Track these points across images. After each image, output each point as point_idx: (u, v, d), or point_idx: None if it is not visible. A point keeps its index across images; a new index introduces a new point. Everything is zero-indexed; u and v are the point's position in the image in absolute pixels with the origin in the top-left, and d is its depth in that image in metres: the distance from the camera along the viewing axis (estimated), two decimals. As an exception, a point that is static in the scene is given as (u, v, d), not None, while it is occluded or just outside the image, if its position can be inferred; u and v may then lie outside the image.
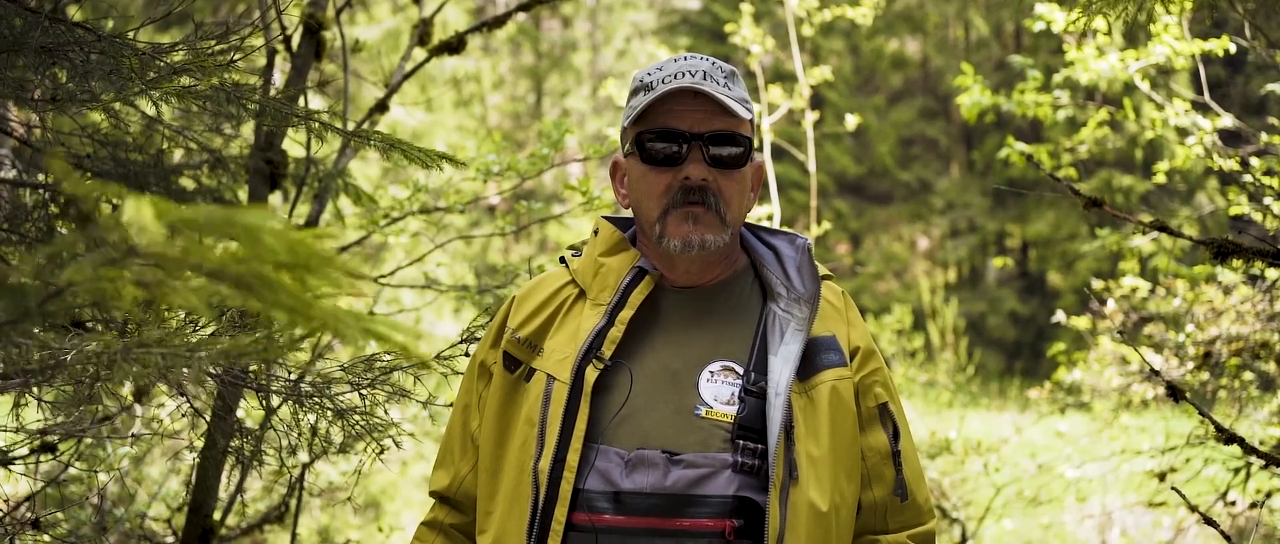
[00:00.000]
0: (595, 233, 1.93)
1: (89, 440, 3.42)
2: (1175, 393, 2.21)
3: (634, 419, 1.74)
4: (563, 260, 1.98)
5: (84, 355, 1.49)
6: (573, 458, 1.71)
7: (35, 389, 2.25)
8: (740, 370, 1.77)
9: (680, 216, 1.79)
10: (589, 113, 18.01)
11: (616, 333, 1.79)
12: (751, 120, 1.85)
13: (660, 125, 1.79)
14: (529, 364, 1.84)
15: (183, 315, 1.74)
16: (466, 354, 2.41)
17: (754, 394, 1.73)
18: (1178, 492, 2.08)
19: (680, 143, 1.78)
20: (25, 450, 3.02)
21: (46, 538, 2.73)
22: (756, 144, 1.91)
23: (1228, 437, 2.24)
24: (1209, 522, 2.02)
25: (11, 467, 2.69)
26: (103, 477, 3.60)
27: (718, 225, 1.79)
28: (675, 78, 1.78)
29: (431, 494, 1.98)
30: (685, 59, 1.82)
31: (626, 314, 1.80)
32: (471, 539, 1.93)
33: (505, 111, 18.97)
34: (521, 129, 18.21)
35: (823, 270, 1.90)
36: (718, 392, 1.75)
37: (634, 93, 1.85)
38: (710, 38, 19.52)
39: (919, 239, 22.43)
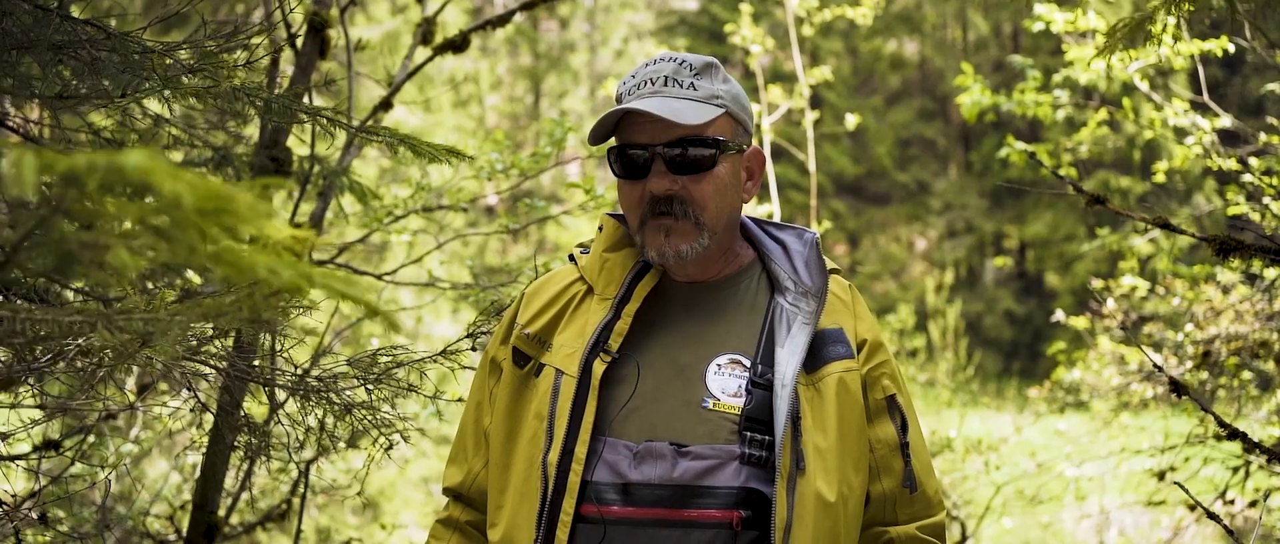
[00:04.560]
0: (600, 229, 1.95)
1: (92, 438, 3.43)
2: (1178, 388, 2.22)
3: (642, 412, 1.75)
4: (572, 257, 1.99)
5: (67, 327, 1.49)
6: (581, 450, 1.72)
7: (38, 381, 2.26)
8: (747, 363, 1.78)
9: (653, 229, 1.80)
10: (587, 113, 18.01)
11: (623, 326, 1.80)
12: (728, 113, 1.81)
13: (624, 140, 1.81)
14: (538, 359, 1.85)
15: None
16: (473, 349, 2.42)
17: (761, 386, 1.74)
18: (1182, 487, 2.09)
19: (643, 157, 1.79)
20: (29, 447, 3.03)
21: (47, 538, 2.73)
22: (756, 137, 1.91)
23: (1230, 432, 2.25)
24: (1213, 516, 2.03)
25: (15, 463, 2.69)
26: (104, 473, 3.61)
27: (693, 232, 1.79)
28: (638, 88, 1.80)
29: (445, 491, 1.99)
30: (653, 63, 1.82)
31: (632, 307, 1.81)
32: (486, 536, 1.93)
33: (503, 112, 18.97)
34: (520, 130, 18.20)
35: (830, 264, 1.91)
36: (725, 384, 1.76)
37: (618, 99, 1.87)
38: (708, 38, 19.53)
39: (916, 240, 22.45)
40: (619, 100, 1.83)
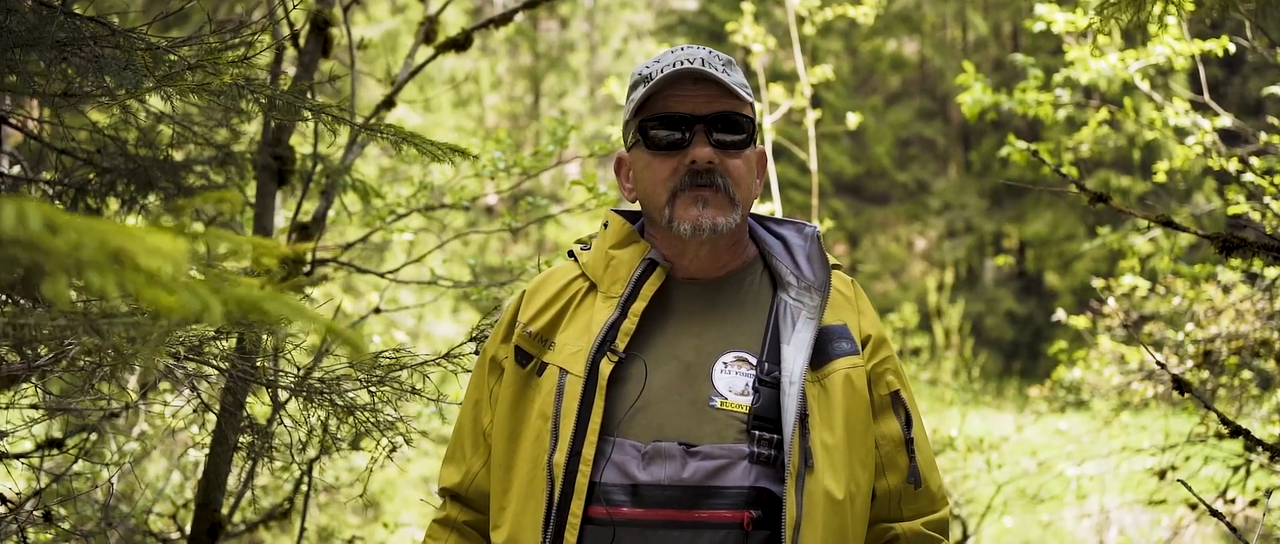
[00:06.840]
0: (605, 226, 1.94)
1: (93, 436, 3.43)
2: (1182, 386, 2.22)
3: (649, 411, 1.74)
4: (572, 254, 1.98)
5: (54, 329, 1.49)
6: (588, 451, 1.71)
7: (40, 379, 2.26)
8: (753, 361, 1.77)
9: (689, 200, 1.79)
10: (587, 113, 18.00)
11: (629, 325, 1.78)
12: (752, 104, 1.86)
13: (663, 111, 1.80)
14: (540, 358, 1.84)
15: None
16: (476, 352, 2.42)
17: (768, 384, 1.73)
18: (1184, 484, 2.10)
19: (683, 128, 1.79)
20: (31, 445, 3.02)
21: (50, 536, 2.73)
22: (758, 139, 1.92)
23: (1232, 429, 2.25)
24: (1215, 513, 2.03)
25: (18, 461, 2.69)
26: (107, 472, 3.61)
27: (727, 206, 1.80)
28: (674, 66, 1.80)
29: (442, 491, 1.97)
30: (682, 49, 1.83)
31: (639, 306, 1.80)
32: (484, 536, 1.91)
33: (503, 112, 18.97)
34: (519, 129, 18.19)
35: (832, 259, 1.90)
36: (732, 382, 1.75)
37: (633, 86, 1.86)
38: (708, 39, 19.50)
39: (916, 239, 22.44)
40: (647, 80, 1.82)
